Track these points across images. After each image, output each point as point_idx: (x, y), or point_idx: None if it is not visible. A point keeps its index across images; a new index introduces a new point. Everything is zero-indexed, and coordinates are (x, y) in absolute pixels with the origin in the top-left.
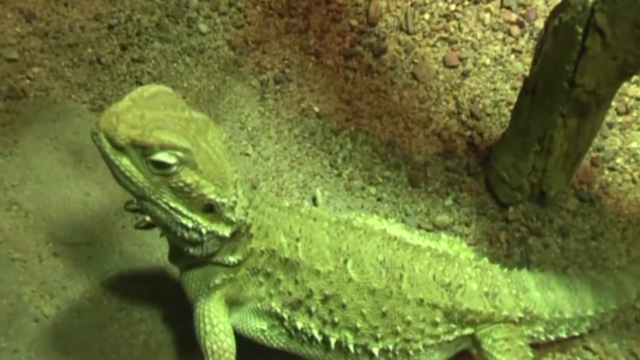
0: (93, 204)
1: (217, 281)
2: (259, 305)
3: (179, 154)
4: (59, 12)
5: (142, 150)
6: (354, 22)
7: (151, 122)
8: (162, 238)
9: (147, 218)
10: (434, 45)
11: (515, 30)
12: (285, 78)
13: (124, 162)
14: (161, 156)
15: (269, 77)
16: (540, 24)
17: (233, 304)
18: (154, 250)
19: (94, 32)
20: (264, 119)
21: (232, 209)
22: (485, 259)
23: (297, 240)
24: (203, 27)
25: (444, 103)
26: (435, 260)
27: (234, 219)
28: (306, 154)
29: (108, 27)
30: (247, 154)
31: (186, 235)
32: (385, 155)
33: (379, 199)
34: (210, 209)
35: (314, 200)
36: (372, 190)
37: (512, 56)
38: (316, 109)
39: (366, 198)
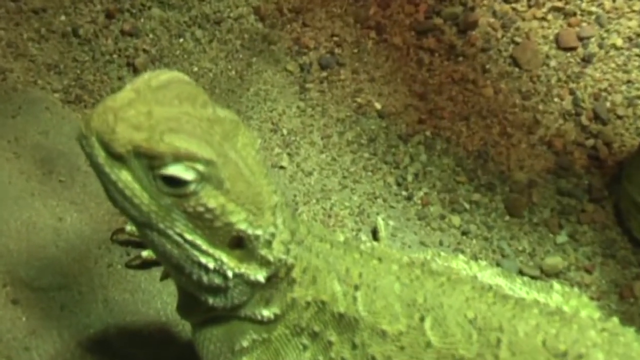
0: (67, 232)
1: (245, 343)
2: None
3: (199, 167)
4: None
5: (149, 161)
6: None
7: (162, 122)
8: (163, 282)
9: (144, 254)
10: (543, 19)
11: None
12: (335, 61)
13: (124, 177)
14: (175, 170)
15: (311, 60)
16: None
17: None
18: (152, 299)
19: None
20: (304, 118)
21: (268, 243)
22: (615, 319)
23: (356, 288)
24: None
25: (556, 100)
26: (546, 319)
27: (271, 257)
28: (363, 167)
29: None
30: (282, 167)
31: (205, 279)
32: (473, 171)
33: (464, 233)
34: (239, 244)
35: (375, 234)
36: (456, 220)
37: None
38: (377, 106)
39: (447, 231)
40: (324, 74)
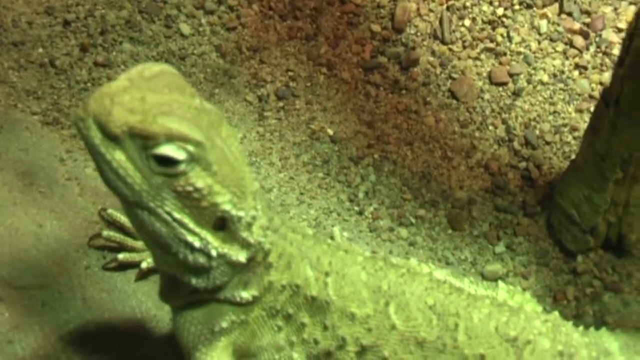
0: (47, 237)
1: (224, 324)
2: (276, 357)
3: (190, 147)
4: None
5: (143, 142)
6: (375, 28)
7: (155, 106)
8: (137, 283)
9: (120, 256)
10: (477, 58)
11: (579, 41)
12: (290, 93)
13: (118, 157)
14: (167, 149)
15: (269, 92)
16: (609, 35)
17: (243, 355)
18: (128, 298)
19: (44, 29)
20: (264, 142)
21: (249, 226)
22: (556, 313)
23: (327, 275)
24: (185, 28)
25: (490, 128)
26: (497, 309)
27: (251, 240)
28: (318, 185)
29: (63, 23)
30: None
31: (190, 257)
32: (418, 190)
33: (411, 244)
34: (222, 226)
35: None
36: (403, 232)
37: (576, 72)
38: (330, 132)
39: (395, 242)
40: (281, 104)
